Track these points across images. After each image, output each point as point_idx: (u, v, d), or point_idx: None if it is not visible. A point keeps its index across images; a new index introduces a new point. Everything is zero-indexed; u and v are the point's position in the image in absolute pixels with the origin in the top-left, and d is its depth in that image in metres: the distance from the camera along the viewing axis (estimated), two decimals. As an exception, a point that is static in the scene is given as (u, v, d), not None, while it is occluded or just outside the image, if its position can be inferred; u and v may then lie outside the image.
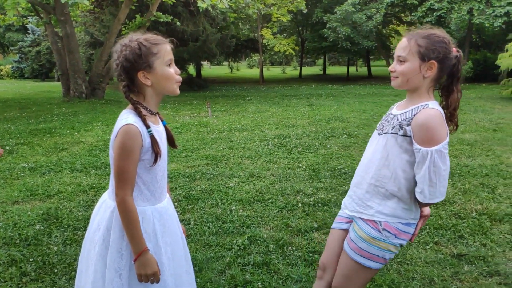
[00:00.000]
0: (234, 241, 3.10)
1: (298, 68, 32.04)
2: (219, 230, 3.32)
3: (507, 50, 13.81)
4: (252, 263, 2.79)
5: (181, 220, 3.52)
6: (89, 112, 10.25)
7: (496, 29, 18.41)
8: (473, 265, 2.73)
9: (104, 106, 11.68)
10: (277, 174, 4.84)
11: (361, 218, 1.64)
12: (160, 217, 1.59)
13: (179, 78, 1.54)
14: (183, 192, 4.23)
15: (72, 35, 12.73)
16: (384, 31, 25.95)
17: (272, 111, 10.48)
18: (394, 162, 1.56)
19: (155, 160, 1.49)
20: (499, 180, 4.49)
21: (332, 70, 35.98)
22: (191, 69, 26.19)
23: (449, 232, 3.22)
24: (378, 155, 1.60)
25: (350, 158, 5.53)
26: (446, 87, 1.57)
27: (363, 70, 34.57)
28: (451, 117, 1.54)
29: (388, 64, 24.21)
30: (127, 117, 1.46)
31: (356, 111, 10.28)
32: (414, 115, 1.50)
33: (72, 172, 4.97)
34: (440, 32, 1.53)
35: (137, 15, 13.11)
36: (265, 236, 3.20)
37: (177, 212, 3.68)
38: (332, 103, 12.08)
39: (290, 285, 2.53)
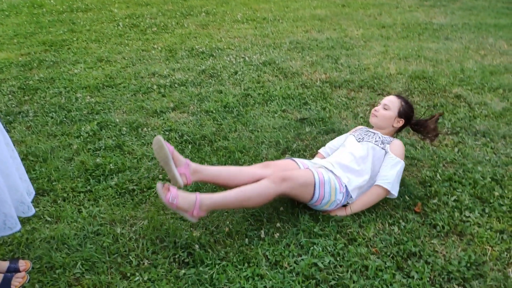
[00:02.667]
0: (83, 128, 2.88)
1: None
2: (64, 119, 3.03)
3: None
4: (103, 147, 2.66)
5: (18, 113, 3.11)
6: None
7: None
8: (313, 126, 3.04)
9: None
10: (129, 57, 4.48)
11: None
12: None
13: None
14: (17, 83, 3.67)
15: None
16: None
17: (123, -11, 9.32)
18: (374, 160, 2.20)
19: None
20: (342, 51, 4.90)
21: None
22: None
23: (295, 100, 3.48)
24: (363, 152, 2.19)
25: (208, 37, 5.38)
26: (413, 128, 2.47)
27: None
28: (434, 131, 2.39)
29: None
30: None
31: (216, -11, 9.80)
32: (391, 141, 2.27)
33: None
34: (410, 103, 2.40)
35: None
36: (118, 120, 3.03)
37: (12, 105, 3.23)
38: (191, -19, 11.25)
39: (145, 162, 2.51)
